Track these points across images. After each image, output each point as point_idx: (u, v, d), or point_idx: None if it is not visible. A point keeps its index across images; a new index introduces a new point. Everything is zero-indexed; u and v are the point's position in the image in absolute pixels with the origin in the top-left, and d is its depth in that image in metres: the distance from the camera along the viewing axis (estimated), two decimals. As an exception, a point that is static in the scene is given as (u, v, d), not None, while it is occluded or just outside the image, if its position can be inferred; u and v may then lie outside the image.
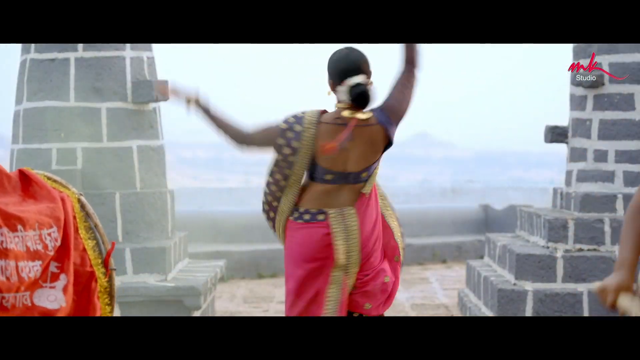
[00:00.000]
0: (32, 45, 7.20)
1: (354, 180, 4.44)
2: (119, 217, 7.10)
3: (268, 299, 9.25)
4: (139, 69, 7.28)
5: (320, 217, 4.41)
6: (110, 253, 3.93)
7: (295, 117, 4.41)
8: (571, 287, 7.05)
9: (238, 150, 4.62)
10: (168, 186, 7.59)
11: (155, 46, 7.68)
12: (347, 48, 4.46)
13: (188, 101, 4.59)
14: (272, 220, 4.61)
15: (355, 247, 4.40)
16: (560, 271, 7.08)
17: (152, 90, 7.16)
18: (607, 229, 7.15)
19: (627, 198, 7.30)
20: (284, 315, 4.69)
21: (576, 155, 7.71)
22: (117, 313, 6.75)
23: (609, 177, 7.46)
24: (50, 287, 3.67)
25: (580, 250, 7.15)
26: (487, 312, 7.45)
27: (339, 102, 4.44)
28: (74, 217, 3.83)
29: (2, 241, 3.49)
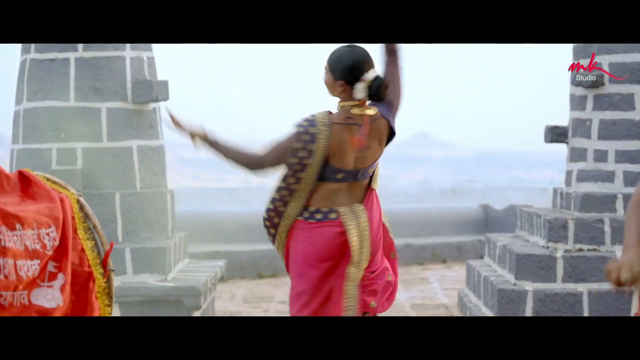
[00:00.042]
0: (32, 45, 7.19)
1: (363, 176, 4.48)
2: (119, 217, 7.10)
3: (268, 299, 9.25)
4: (139, 69, 7.28)
5: (332, 215, 4.42)
6: (108, 254, 3.93)
7: (307, 120, 4.38)
8: (571, 287, 7.05)
9: (253, 176, 4.58)
10: (168, 186, 7.58)
11: (155, 46, 7.68)
12: (348, 46, 4.44)
13: (193, 137, 4.53)
14: (273, 227, 4.57)
15: (366, 243, 4.43)
16: (560, 271, 7.08)
17: (152, 90, 7.16)
18: (607, 229, 7.15)
19: (627, 198, 7.29)
20: (283, 315, 4.69)
21: (576, 155, 7.71)
22: (117, 313, 6.75)
23: (609, 177, 7.45)
24: (48, 287, 3.68)
25: (580, 250, 7.15)
26: (487, 312, 7.45)
27: (344, 101, 4.43)
28: (73, 218, 3.84)
29: (0, 239, 3.50)
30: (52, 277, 3.70)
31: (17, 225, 3.56)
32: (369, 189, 4.55)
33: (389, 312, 7.19)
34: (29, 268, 3.58)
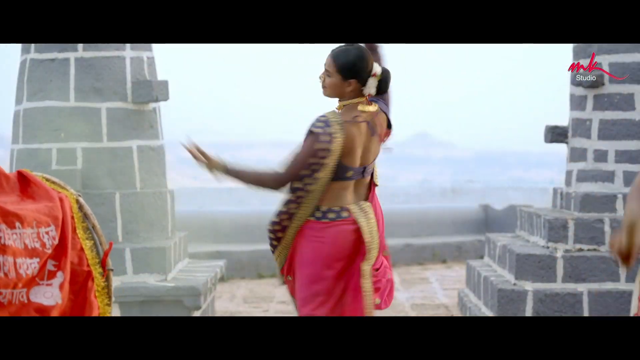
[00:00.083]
0: (32, 45, 7.19)
1: (367, 173, 4.49)
2: (119, 217, 7.10)
3: (268, 299, 9.25)
4: (139, 69, 7.28)
5: (345, 214, 4.41)
6: (107, 253, 3.94)
7: (321, 121, 4.35)
8: (571, 287, 7.05)
9: (278, 193, 4.50)
10: (168, 186, 7.58)
11: (155, 46, 7.68)
12: (347, 45, 4.43)
13: (210, 168, 4.46)
14: (282, 230, 4.49)
15: (376, 240, 4.46)
16: (560, 271, 7.08)
17: (152, 90, 7.16)
18: (607, 229, 7.15)
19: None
20: (283, 315, 4.68)
21: (576, 155, 7.71)
22: (116, 313, 6.75)
23: (609, 177, 7.45)
24: (47, 285, 3.69)
25: (580, 250, 7.15)
26: (487, 312, 7.45)
27: (349, 99, 4.42)
28: (72, 217, 3.85)
29: (0, 237, 3.51)
30: (52, 275, 3.71)
31: (17, 224, 3.57)
32: (371, 185, 4.56)
33: (389, 312, 7.19)
34: (28, 266, 3.59)
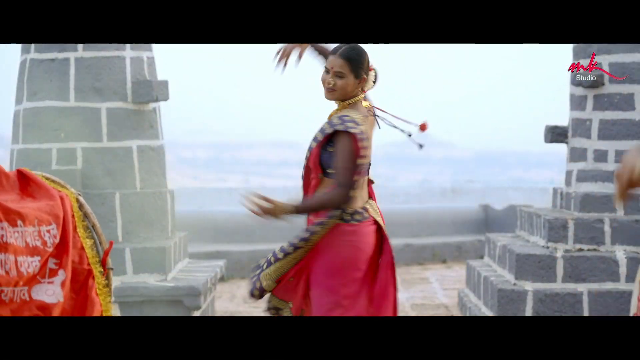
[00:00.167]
0: (32, 45, 7.20)
1: (369, 170, 4.47)
2: (118, 217, 7.10)
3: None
4: (139, 69, 7.28)
5: (366, 214, 4.36)
6: (107, 252, 3.94)
7: (351, 121, 4.28)
8: (571, 287, 7.05)
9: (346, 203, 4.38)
10: (168, 186, 7.59)
11: (155, 46, 7.68)
12: (347, 45, 4.40)
13: (279, 214, 4.28)
14: (304, 240, 4.33)
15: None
16: (560, 271, 7.08)
17: (152, 90, 7.17)
18: (607, 229, 7.15)
19: (627, 198, 7.29)
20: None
21: (576, 155, 7.71)
22: (116, 313, 6.75)
23: (609, 177, 7.45)
24: (49, 283, 3.70)
25: (580, 250, 7.15)
26: (487, 312, 7.45)
27: (353, 97, 4.40)
28: (73, 216, 3.85)
29: (2, 235, 3.52)
30: (53, 273, 3.72)
31: (19, 222, 3.58)
32: (369, 183, 4.53)
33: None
34: (30, 264, 3.60)
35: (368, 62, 4.38)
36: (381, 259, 4.41)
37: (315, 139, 4.38)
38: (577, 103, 7.72)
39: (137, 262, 7.01)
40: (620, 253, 7.09)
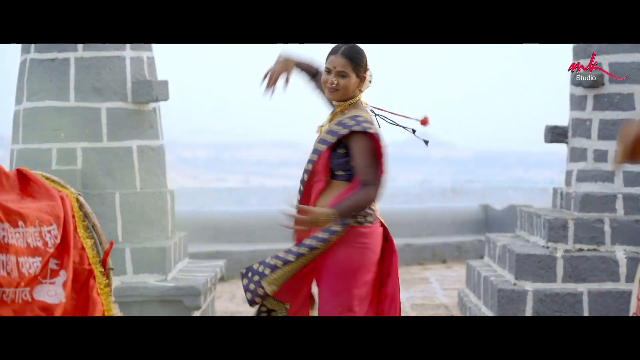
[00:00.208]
0: (32, 45, 7.20)
1: None
2: (119, 217, 7.10)
3: (268, 299, 9.24)
4: (139, 69, 7.28)
5: (375, 215, 4.34)
6: (108, 252, 3.94)
7: (365, 121, 4.27)
8: (571, 287, 7.05)
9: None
10: (168, 186, 7.59)
11: (155, 46, 7.68)
12: (346, 45, 4.39)
13: (322, 223, 4.17)
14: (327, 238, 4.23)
15: None
16: (560, 271, 7.08)
17: (152, 90, 7.17)
18: (607, 229, 7.15)
19: (627, 198, 7.30)
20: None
21: (576, 155, 7.71)
22: (116, 313, 6.74)
23: (609, 177, 7.46)
24: (50, 283, 3.70)
25: (580, 250, 7.15)
26: (487, 312, 7.45)
27: (355, 96, 4.39)
28: (73, 216, 3.85)
29: (3, 236, 3.51)
30: (54, 274, 3.72)
31: (20, 223, 3.58)
32: None
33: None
34: (31, 265, 3.59)
35: (367, 61, 4.38)
36: (391, 261, 4.38)
37: (323, 141, 4.30)
38: (577, 103, 7.72)
39: (137, 262, 7.00)
40: (620, 253, 7.09)
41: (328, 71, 4.33)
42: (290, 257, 4.22)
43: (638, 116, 3.00)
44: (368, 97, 4.53)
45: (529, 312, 6.98)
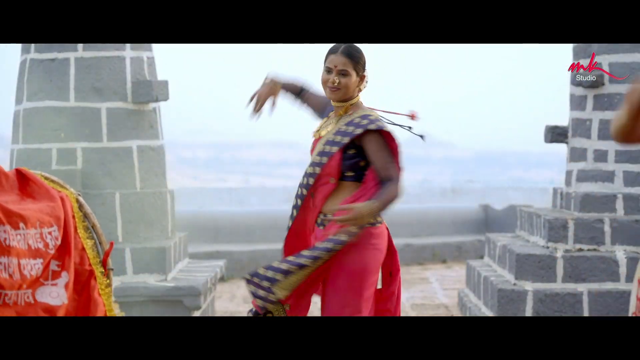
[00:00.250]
0: (32, 45, 7.20)
1: None
2: (119, 217, 7.10)
3: (268, 299, 9.23)
4: (139, 69, 7.28)
5: (381, 216, 4.32)
6: (108, 253, 3.94)
7: (377, 119, 4.27)
8: (571, 287, 7.05)
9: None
10: (168, 186, 7.59)
11: (155, 46, 7.68)
12: (340, 44, 4.38)
13: (366, 218, 4.13)
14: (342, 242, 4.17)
15: None
16: (560, 271, 7.08)
17: (152, 90, 7.17)
18: (607, 229, 7.15)
19: (627, 198, 7.30)
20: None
21: (576, 155, 7.71)
22: (118, 313, 6.74)
23: (609, 177, 7.46)
24: (52, 285, 3.69)
25: (580, 250, 7.15)
26: (487, 312, 7.45)
27: (355, 96, 4.38)
28: (73, 217, 3.84)
29: (5, 238, 3.50)
30: (56, 275, 3.71)
31: (21, 224, 3.57)
32: None
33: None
34: (32, 267, 3.59)
35: (365, 60, 4.38)
36: (394, 260, 4.37)
37: (333, 143, 4.27)
38: (577, 103, 7.72)
39: (137, 262, 7.01)
40: (620, 253, 7.09)
41: (328, 70, 4.32)
42: (307, 262, 4.12)
43: None
44: (367, 97, 4.54)
45: (529, 312, 6.98)
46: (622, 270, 7.04)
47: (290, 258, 4.17)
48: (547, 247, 7.23)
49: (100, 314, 3.83)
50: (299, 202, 4.35)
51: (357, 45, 4.39)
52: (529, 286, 7.05)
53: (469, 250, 11.77)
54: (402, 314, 8.35)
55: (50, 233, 3.68)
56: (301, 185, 4.35)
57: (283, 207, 11.10)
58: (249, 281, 4.19)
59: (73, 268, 3.76)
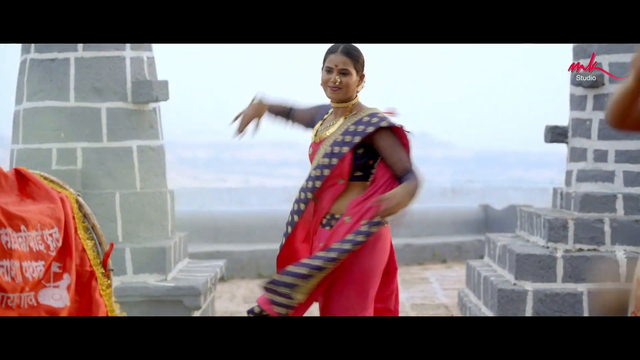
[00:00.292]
0: (32, 45, 7.20)
1: None
2: (119, 217, 7.10)
3: (268, 299, 9.23)
4: (139, 69, 7.28)
5: None
6: (108, 254, 3.93)
7: (386, 117, 4.28)
8: (571, 287, 7.05)
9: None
10: (168, 186, 7.59)
11: (155, 46, 7.68)
12: (339, 44, 4.38)
13: (404, 205, 4.11)
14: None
15: None
16: (560, 271, 7.08)
17: (152, 90, 7.17)
18: (607, 229, 7.15)
19: (627, 198, 7.30)
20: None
21: (576, 155, 7.71)
22: (119, 313, 6.74)
23: (609, 177, 7.46)
24: (54, 287, 3.68)
25: (580, 250, 7.15)
26: (487, 312, 7.45)
27: (355, 97, 4.37)
28: (73, 218, 3.83)
29: (6, 241, 3.49)
30: (58, 277, 3.70)
31: (22, 227, 3.55)
32: None
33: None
34: (34, 269, 3.58)
35: (364, 59, 4.38)
36: (392, 259, 4.35)
37: (343, 143, 4.24)
38: (577, 103, 7.72)
39: (137, 262, 7.01)
40: (620, 253, 7.09)
41: (329, 70, 4.31)
42: (324, 264, 4.08)
43: None
44: (367, 97, 4.54)
45: (529, 312, 6.98)
46: (622, 270, 7.04)
47: (306, 261, 4.12)
48: (547, 247, 7.23)
49: (101, 314, 3.83)
50: (302, 206, 4.29)
51: (357, 45, 4.40)
52: (529, 286, 7.05)
53: (469, 250, 11.77)
54: (402, 314, 8.35)
55: (51, 235, 3.67)
56: (305, 190, 4.29)
57: (283, 207, 11.10)
58: (268, 290, 4.16)
59: (74, 269, 3.75)
